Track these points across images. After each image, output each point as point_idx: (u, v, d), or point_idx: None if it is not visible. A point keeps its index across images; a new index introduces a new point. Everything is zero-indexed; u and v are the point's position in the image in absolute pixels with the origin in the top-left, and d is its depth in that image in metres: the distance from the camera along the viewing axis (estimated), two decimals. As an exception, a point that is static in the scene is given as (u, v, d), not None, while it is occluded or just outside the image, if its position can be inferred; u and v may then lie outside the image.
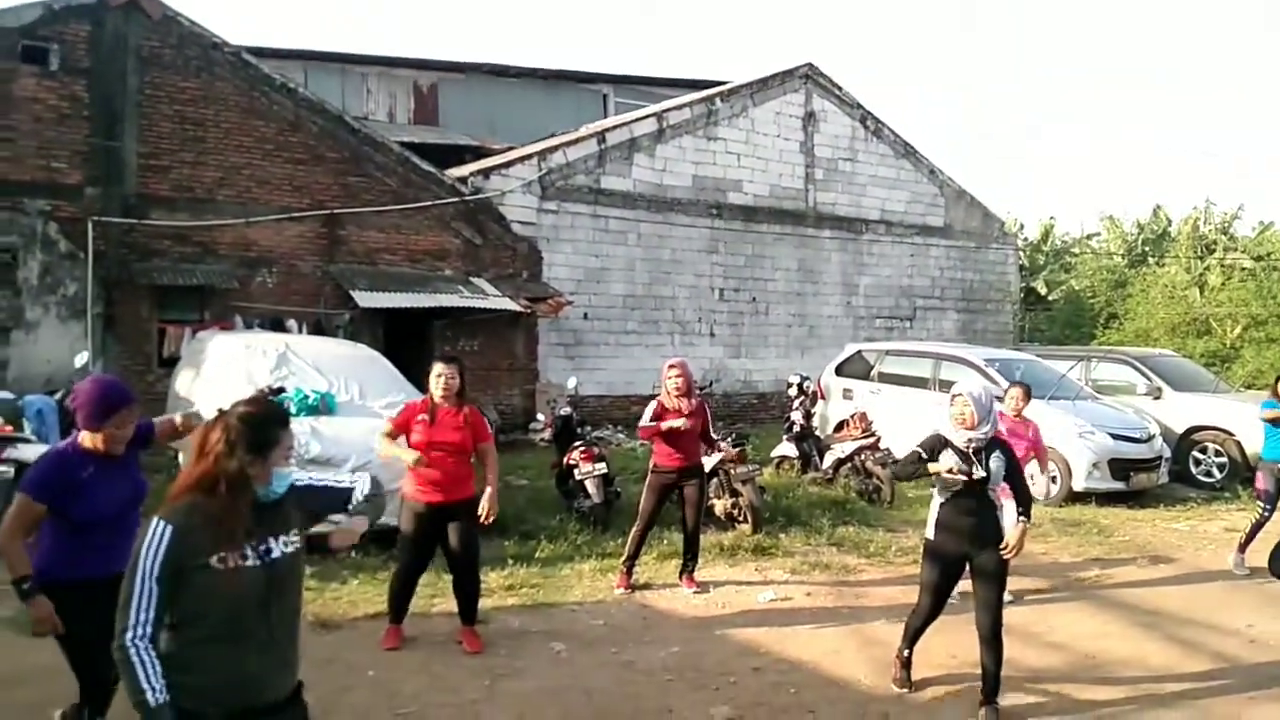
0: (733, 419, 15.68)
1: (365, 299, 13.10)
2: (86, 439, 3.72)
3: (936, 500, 5.03)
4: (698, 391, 7.36)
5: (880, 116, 19.93)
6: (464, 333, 14.55)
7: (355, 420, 8.14)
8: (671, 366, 7.12)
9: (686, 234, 17.25)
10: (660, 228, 16.94)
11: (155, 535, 2.48)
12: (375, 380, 9.16)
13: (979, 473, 4.83)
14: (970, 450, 4.87)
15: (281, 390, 8.01)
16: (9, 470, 7.38)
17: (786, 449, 11.39)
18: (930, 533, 5.06)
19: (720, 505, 9.01)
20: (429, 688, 5.12)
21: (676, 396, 7.03)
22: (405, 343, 13.51)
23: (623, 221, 16.52)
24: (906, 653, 5.27)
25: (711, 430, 7.41)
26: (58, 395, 9.03)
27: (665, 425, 6.90)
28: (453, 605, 6.03)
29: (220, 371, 8.63)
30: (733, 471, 8.89)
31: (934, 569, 5.07)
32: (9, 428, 7.82)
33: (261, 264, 13.18)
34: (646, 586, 7.18)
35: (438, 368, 5.78)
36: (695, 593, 7.05)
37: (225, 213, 12.88)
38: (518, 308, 14.28)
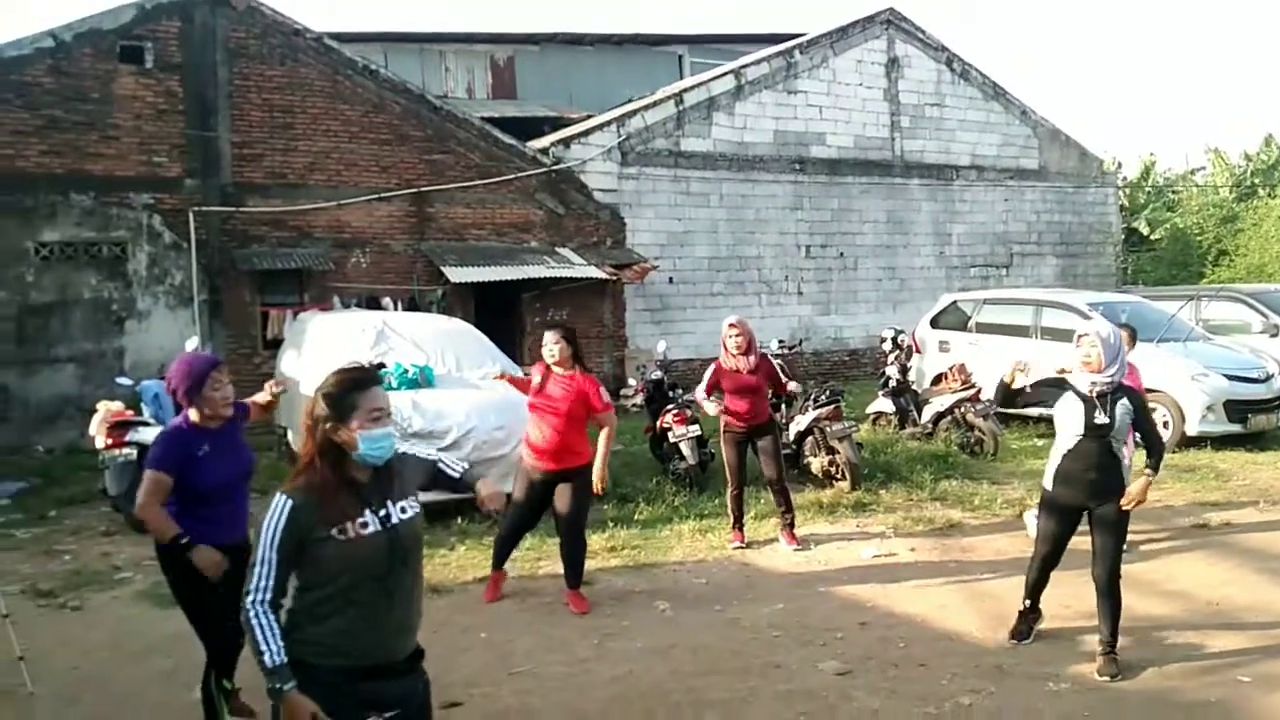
0: (824, 377, 15.47)
1: (456, 274, 13.32)
2: (195, 415, 3.92)
3: (1057, 450, 4.86)
4: (784, 347, 7.29)
5: (967, 58, 19.26)
6: (552, 303, 14.67)
7: (454, 392, 8.33)
8: (731, 325, 7.08)
9: (770, 191, 17.01)
10: (742, 187, 16.74)
11: (277, 509, 2.59)
12: (470, 352, 9.34)
13: (1102, 419, 4.65)
14: (1095, 395, 4.69)
15: (382, 366, 8.24)
16: (132, 452, 7.76)
17: (883, 404, 11.21)
18: (1048, 483, 4.90)
19: (817, 463, 8.94)
20: (540, 647, 5.23)
21: (737, 355, 6.99)
22: (496, 315, 13.71)
23: (704, 183, 16.37)
24: (1029, 604, 5.15)
25: (782, 380, 7.41)
26: (163, 380, 9.44)
27: (704, 403, 7.12)
28: (558, 568, 6.15)
29: (322, 351, 8.90)
30: (828, 429, 8.80)
31: (1051, 519, 4.94)
32: (130, 412, 8.20)
33: (355, 245, 13.50)
34: (747, 545, 7.19)
35: (546, 336, 5.93)
36: (796, 549, 7.04)
37: (317, 196, 13.21)
38: (603, 275, 14.34)
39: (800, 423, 8.96)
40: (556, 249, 14.78)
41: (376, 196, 13.59)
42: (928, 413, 10.69)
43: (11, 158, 11.55)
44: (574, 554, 5.93)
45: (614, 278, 14.63)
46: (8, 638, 4.76)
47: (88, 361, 11.88)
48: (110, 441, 7.72)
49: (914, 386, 11.54)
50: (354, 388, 2.70)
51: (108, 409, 7.95)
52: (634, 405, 13.82)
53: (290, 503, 2.59)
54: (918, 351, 12.56)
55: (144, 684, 4.85)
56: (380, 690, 2.63)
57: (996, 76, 19.86)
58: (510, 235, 14.67)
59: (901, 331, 11.85)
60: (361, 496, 2.65)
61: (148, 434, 7.87)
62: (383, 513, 2.65)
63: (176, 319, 12.35)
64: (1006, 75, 61.33)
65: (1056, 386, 4.79)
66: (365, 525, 2.60)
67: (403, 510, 2.70)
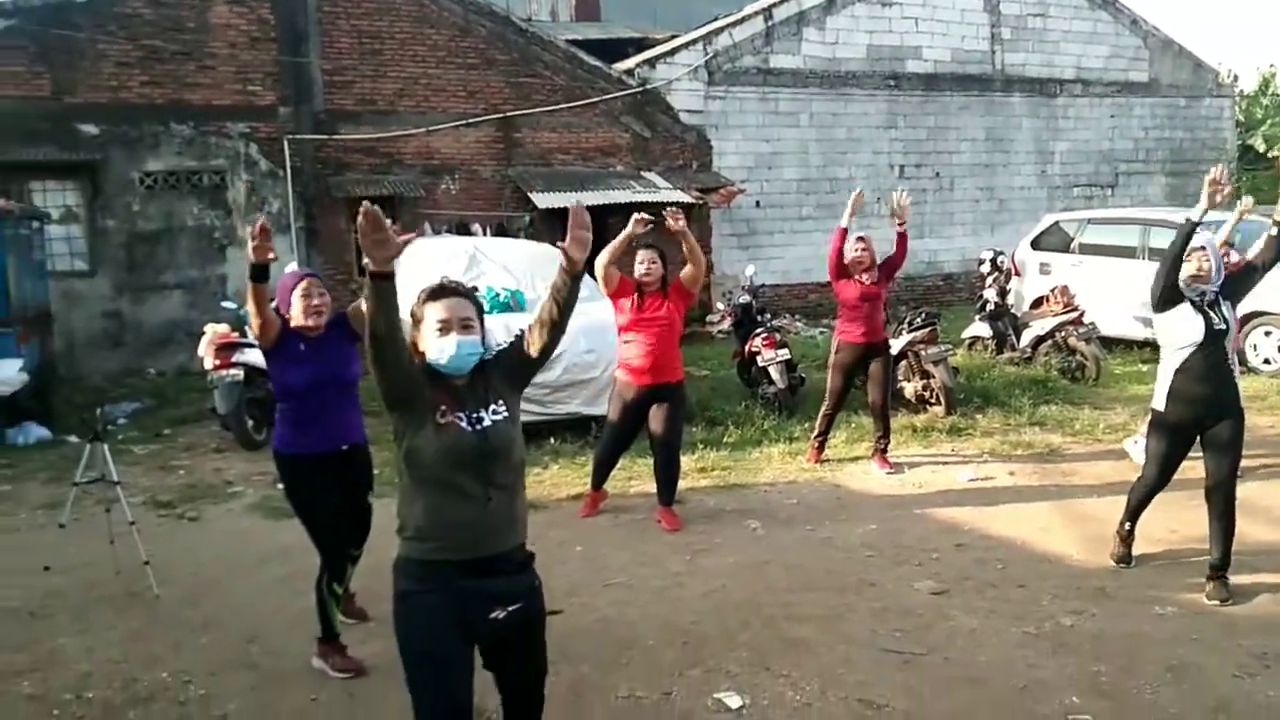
0: (916, 303, 15.13)
1: (543, 200, 13.31)
2: (294, 318, 4.10)
3: (1169, 366, 4.68)
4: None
5: (1074, -36, 18.19)
6: (638, 228, 14.56)
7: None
8: (860, 239, 7.00)
9: (862, 109, 16.47)
10: (834, 105, 16.25)
11: None
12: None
13: (1220, 324, 4.53)
14: (1205, 304, 4.57)
15: (475, 290, 8.33)
16: (239, 373, 8.08)
17: (979, 329, 10.91)
18: (1160, 402, 4.72)
19: (910, 388, 8.79)
20: (633, 562, 5.32)
21: (862, 271, 6.90)
22: (583, 240, 13.67)
23: (794, 102, 15.94)
24: (1128, 526, 5.01)
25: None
26: (273, 304, 9.74)
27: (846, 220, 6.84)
28: (649, 487, 6.23)
29: (416, 277, 8.99)
30: (923, 353, 8.63)
31: (1163, 440, 4.76)
32: (235, 335, 8.50)
33: (444, 171, 13.59)
34: (838, 467, 7.15)
35: (640, 254, 5.88)
36: (889, 473, 6.97)
37: (407, 123, 13.29)
38: (689, 199, 14.13)
39: (894, 346, 8.79)
40: (642, 173, 14.64)
41: (464, 122, 13.61)
42: (1027, 337, 10.39)
43: (116, 89, 11.89)
44: (668, 472, 5.98)
45: (700, 202, 14.43)
46: (134, 545, 5.04)
47: (193, 288, 12.31)
48: (218, 363, 8.03)
49: (1012, 310, 11.19)
50: (427, 299, 2.74)
51: (215, 331, 8.26)
52: (719, 332, 13.77)
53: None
54: (1017, 274, 12.13)
55: (259, 590, 5.10)
56: (500, 586, 2.70)
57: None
58: (596, 160, 14.57)
59: (1001, 253, 11.47)
60: (457, 398, 2.71)
61: (253, 355, 8.17)
62: (475, 415, 2.71)
63: (275, 246, 12.63)
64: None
65: (1169, 296, 4.62)
66: (460, 419, 2.68)
67: (494, 414, 2.74)
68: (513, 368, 2.89)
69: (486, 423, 2.71)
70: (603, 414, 6.77)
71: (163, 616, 4.74)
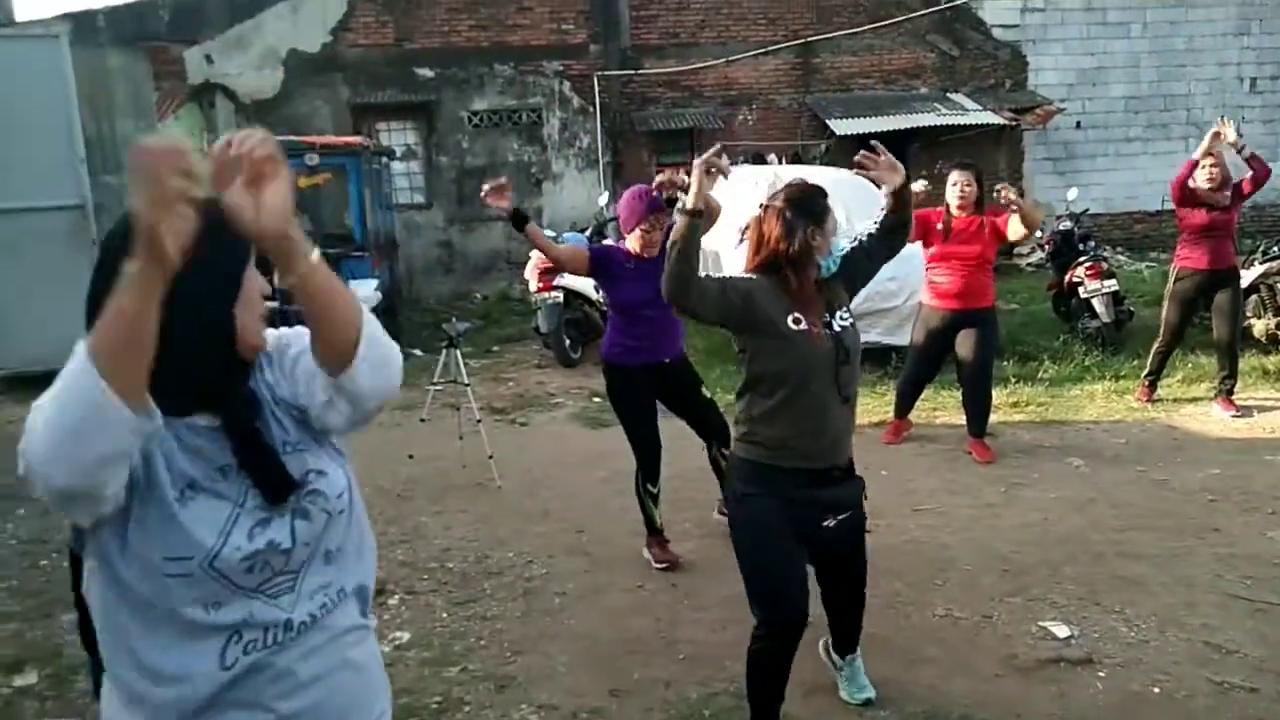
0: (1264, 236, 13.35)
1: (841, 126, 13.01)
2: (629, 242, 4.28)
3: None
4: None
5: None
6: (940, 154, 13.82)
7: (844, 244, 8.27)
8: (1210, 155, 6.37)
9: (1207, 15, 14.54)
10: (1172, 12, 14.46)
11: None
12: (860, 203, 9.08)
13: None
14: None
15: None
16: (559, 295, 8.68)
17: (1349, 261, 9.47)
18: None
19: (1261, 325, 7.86)
20: (943, 489, 5.23)
21: (1212, 190, 6.26)
22: (882, 168, 13.26)
23: (1124, 10, 14.35)
24: None
25: None
26: (586, 231, 10.35)
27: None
28: (955, 419, 6.08)
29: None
30: (1278, 286, 7.65)
31: None
32: (555, 260, 9.11)
33: (741, 101, 13.63)
34: (1173, 408, 6.57)
35: (954, 176, 5.67)
36: (1234, 416, 6.33)
37: (708, 54, 13.43)
38: (1000, 121, 13.26)
39: (1245, 278, 7.86)
40: (948, 95, 13.88)
41: (764, 50, 13.54)
42: None
43: (447, 34, 12.93)
44: (979, 400, 5.79)
45: (1012, 123, 13.49)
46: (479, 442, 5.64)
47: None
48: (541, 285, 8.67)
49: (1396, 240, 9.60)
50: (820, 194, 2.77)
51: (539, 257, 8.89)
52: (1028, 265, 12.93)
53: (756, 278, 2.75)
54: (1403, 199, 10.38)
55: (584, 487, 5.55)
56: (833, 495, 2.77)
57: None
58: (899, 83, 14.00)
59: (1384, 173, 9.82)
60: (807, 304, 2.73)
61: (571, 280, 8.74)
62: (826, 320, 2.73)
63: (584, 180, 13.35)
64: None
65: None
66: (815, 324, 2.69)
67: (842, 319, 2.76)
68: (854, 272, 2.89)
69: (837, 327, 2.73)
70: (903, 344, 6.65)
71: (505, 505, 5.30)
